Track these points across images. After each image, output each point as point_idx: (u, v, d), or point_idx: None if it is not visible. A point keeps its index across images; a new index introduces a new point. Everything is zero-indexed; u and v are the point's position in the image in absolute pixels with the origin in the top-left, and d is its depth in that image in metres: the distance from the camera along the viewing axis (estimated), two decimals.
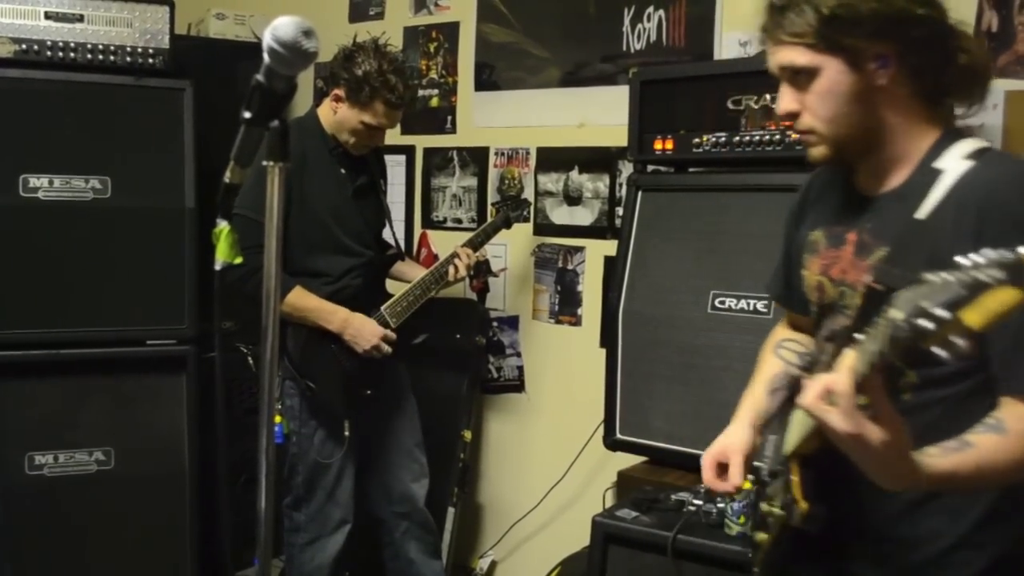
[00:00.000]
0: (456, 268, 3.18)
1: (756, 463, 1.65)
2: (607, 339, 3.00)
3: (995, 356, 1.38)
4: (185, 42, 3.63)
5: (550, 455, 3.54)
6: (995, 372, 1.39)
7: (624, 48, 3.36)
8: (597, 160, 3.47)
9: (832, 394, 1.18)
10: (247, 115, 1.28)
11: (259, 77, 1.27)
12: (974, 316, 0.99)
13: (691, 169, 2.93)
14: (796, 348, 1.78)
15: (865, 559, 1.51)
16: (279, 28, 1.24)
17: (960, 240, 1.34)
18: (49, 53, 3.17)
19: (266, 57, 1.25)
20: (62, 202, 3.18)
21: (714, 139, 2.76)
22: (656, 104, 2.90)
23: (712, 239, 2.77)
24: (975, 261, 1.01)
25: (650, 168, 2.99)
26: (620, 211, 3.31)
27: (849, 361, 1.18)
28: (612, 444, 2.93)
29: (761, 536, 1.62)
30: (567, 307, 3.58)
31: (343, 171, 3.04)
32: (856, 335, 1.23)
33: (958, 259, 1.02)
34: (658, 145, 2.88)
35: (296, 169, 2.89)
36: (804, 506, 1.38)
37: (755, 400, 1.73)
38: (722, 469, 1.63)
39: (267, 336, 1.33)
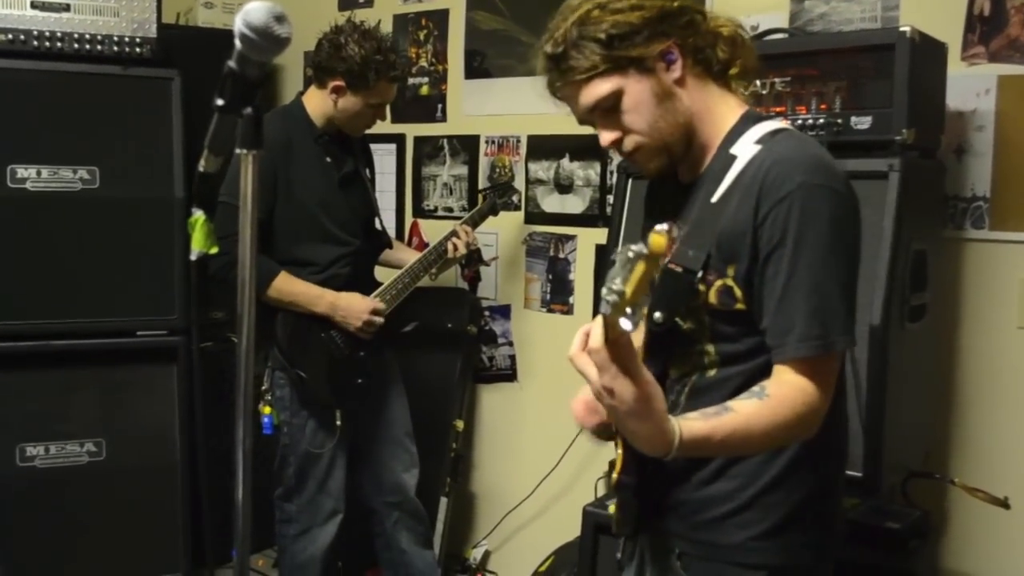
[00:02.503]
0: (455, 246, 3.18)
1: None
2: None
3: (765, 331, 1.49)
4: (173, 31, 3.61)
5: (542, 444, 3.53)
6: (768, 344, 1.49)
7: None
8: (588, 148, 3.44)
9: (589, 350, 1.29)
10: (220, 102, 1.26)
11: (231, 64, 1.25)
12: (628, 287, 1.14)
13: None
14: None
15: (675, 517, 1.63)
16: (250, 13, 1.22)
17: (741, 217, 1.47)
18: (36, 43, 3.15)
19: (238, 43, 1.24)
20: (50, 193, 3.16)
21: None
22: None
23: None
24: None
25: None
26: (611, 199, 3.29)
27: (599, 321, 1.27)
28: None
29: (612, 505, 1.74)
30: (559, 296, 3.56)
31: (329, 159, 3.02)
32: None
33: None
34: None
35: (282, 157, 2.89)
36: (615, 477, 1.53)
37: None
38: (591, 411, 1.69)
39: (243, 325, 1.32)
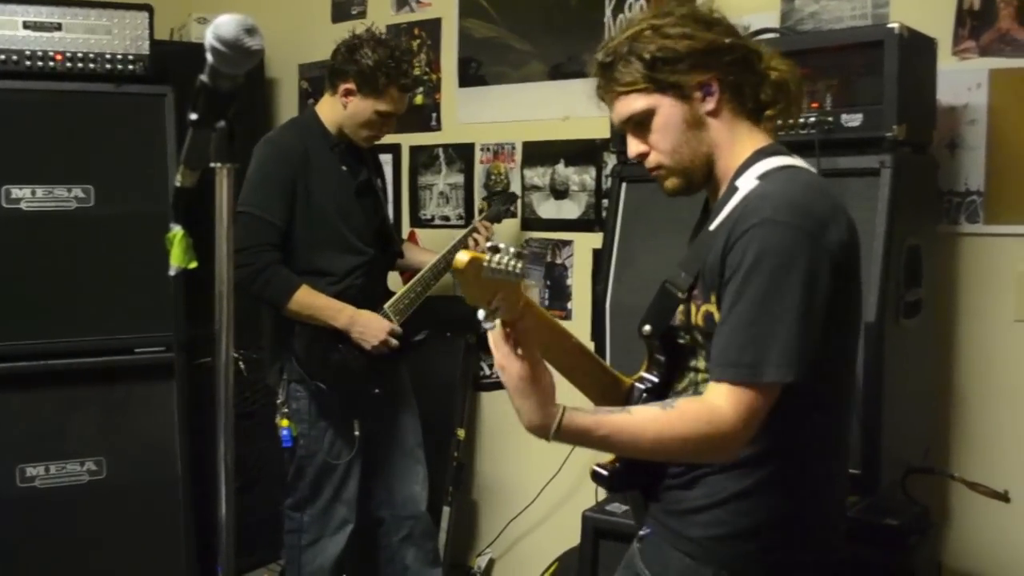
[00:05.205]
0: (476, 241, 3.21)
1: None
2: (597, 332, 2.98)
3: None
4: (167, 47, 3.62)
5: (544, 451, 3.47)
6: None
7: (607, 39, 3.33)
8: (583, 153, 3.44)
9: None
10: (193, 117, 1.26)
11: (203, 77, 1.25)
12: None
13: None
14: None
15: (656, 500, 1.73)
16: (220, 27, 1.21)
17: (719, 248, 1.54)
18: (28, 63, 3.17)
19: (209, 56, 1.23)
20: (45, 212, 3.17)
21: None
22: None
23: None
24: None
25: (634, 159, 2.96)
26: (607, 203, 3.29)
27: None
28: None
29: None
30: (557, 301, 3.56)
31: (344, 168, 3.03)
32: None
33: None
34: None
35: (300, 167, 2.91)
36: (591, 470, 1.67)
37: None
38: None
39: (221, 340, 1.31)
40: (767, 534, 1.61)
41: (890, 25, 2.35)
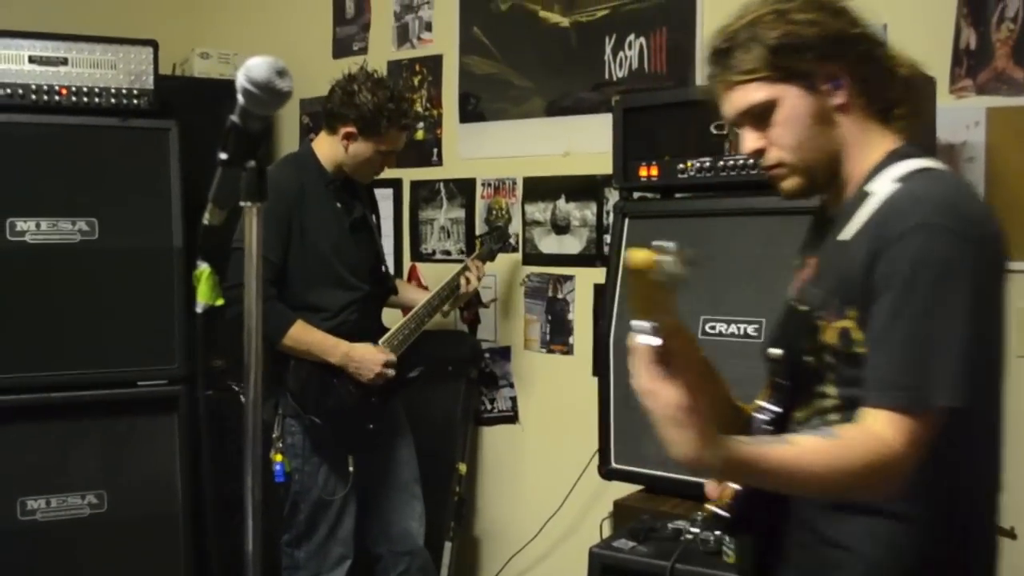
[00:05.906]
0: (468, 280, 3.23)
1: None
2: (599, 367, 2.99)
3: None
4: (170, 82, 3.65)
5: (546, 486, 3.52)
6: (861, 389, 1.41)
7: (607, 76, 3.38)
8: (584, 188, 3.47)
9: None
10: (223, 156, 1.28)
11: (234, 118, 1.27)
12: (631, 302, 1.23)
13: (677, 195, 2.92)
14: None
15: (792, 545, 1.57)
16: (252, 69, 1.24)
17: (861, 257, 1.39)
18: (34, 97, 3.19)
19: (240, 98, 1.25)
20: (50, 245, 3.18)
21: (699, 164, 2.76)
22: (640, 131, 2.89)
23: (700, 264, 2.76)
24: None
25: (636, 195, 2.99)
26: (608, 239, 3.31)
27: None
28: (607, 473, 2.91)
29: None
30: (558, 336, 3.57)
31: (339, 205, 3.05)
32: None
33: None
34: (643, 172, 2.87)
35: (296, 203, 2.92)
36: (709, 508, 1.50)
37: None
38: None
39: (251, 374, 1.32)
40: None
41: None
